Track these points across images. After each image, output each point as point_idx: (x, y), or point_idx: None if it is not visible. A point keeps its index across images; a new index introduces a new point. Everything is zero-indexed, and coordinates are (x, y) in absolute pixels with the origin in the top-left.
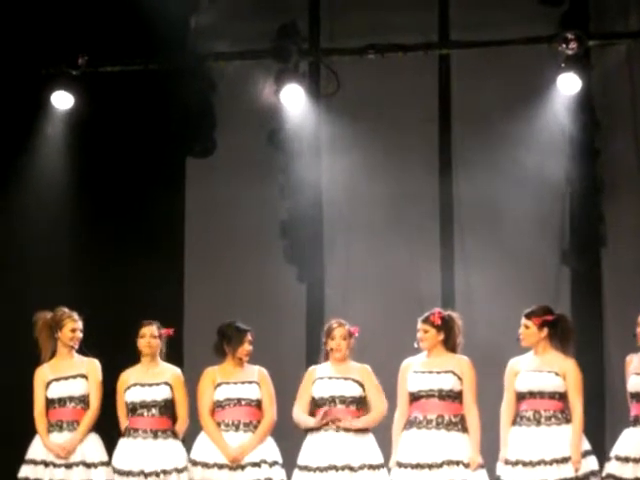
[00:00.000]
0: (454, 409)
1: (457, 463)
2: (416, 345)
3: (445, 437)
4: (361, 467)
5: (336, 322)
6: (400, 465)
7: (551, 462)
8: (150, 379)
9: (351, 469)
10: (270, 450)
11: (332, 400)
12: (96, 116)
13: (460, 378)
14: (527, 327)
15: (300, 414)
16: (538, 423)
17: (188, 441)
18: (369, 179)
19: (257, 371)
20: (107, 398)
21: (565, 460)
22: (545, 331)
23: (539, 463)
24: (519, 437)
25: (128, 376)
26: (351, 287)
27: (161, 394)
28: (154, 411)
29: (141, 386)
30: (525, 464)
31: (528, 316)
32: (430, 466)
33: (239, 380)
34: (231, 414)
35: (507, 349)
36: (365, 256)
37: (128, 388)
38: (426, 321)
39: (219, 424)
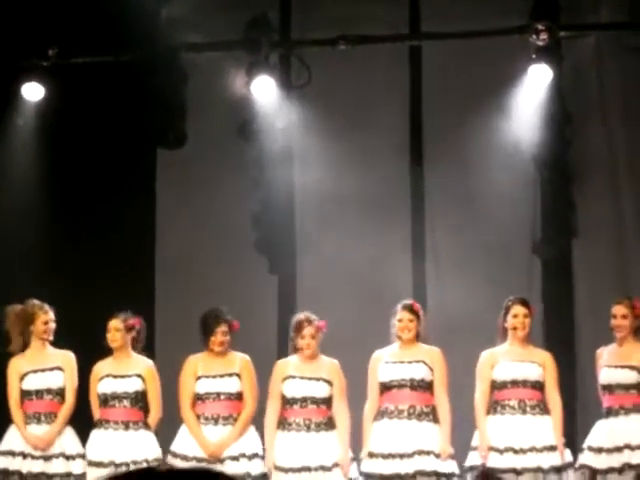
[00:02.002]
0: (425, 399)
1: (428, 453)
2: (400, 334)
3: (416, 427)
4: (334, 466)
5: (305, 319)
6: (372, 455)
7: (542, 449)
8: (122, 371)
9: (324, 469)
10: (250, 442)
11: (304, 400)
12: (67, 107)
13: (431, 368)
14: (527, 316)
15: (268, 423)
16: (524, 412)
17: (165, 432)
18: (341, 170)
19: (239, 360)
20: (80, 390)
21: (553, 449)
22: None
23: (530, 450)
24: (503, 425)
25: (101, 368)
26: (323, 279)
27: (132, 386)
28: (125, 403)
29: (113, 377)
30: (516, 451)
31: (528, 305)
32: (401, 456)
33: (219, 373)
34: (211, 408)
35: (479, 339)
36: (337, 247)
37: (100, 379)
38: (410, 310)
39: (199, 417)
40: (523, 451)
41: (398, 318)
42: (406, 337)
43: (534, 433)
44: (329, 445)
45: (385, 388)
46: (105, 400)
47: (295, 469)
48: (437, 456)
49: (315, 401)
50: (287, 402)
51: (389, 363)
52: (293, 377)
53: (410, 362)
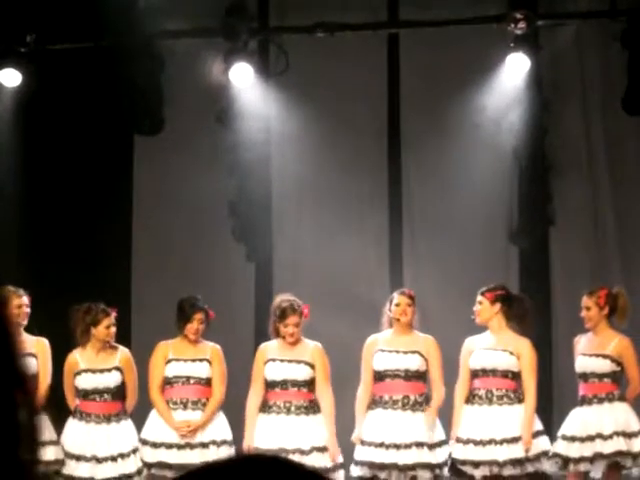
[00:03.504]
0: (419, 388)
1: (423, 445)
2: (398, 317)
3: (411, 418)
4: (311, 450)
5: (290, 306)
6: (364, 443)
7: (501, 442)
8: (101, 364)
9: (302, 452)
10: (219, 429)
11: (284, 383)
12: (44, 94)
13: (426, 358)
14: (480, 303)
15: (249, 407)
16: (490, 402)
17: (137, 419)
18: (318, 158)
19: (210, 349)
20: (54, 378)
21: (515, 440)
22: (497, 307)
23: (490, 442)
24: (471, 416)
25: (77, 359)
26: (299, 266)
27: (114, 380)
28: (107, 396)
29: (92, 372)
30: (476, 443)
31: (482, 293)
32: (397, 446)
33: (190, 357)
34: (179, 392)
35: (456, 330)
36: (314, 236)
37: (78, 374)
38: (408, 296)
39: (168, 402)
40: (482, 443)
41: (396, 302)
42: (404, 320)
43: (497, 425)
44: (309, 429)
45: (379, 377)
46: (85, 394)
47: (272, 451)
48: (430, 447)
49: (296, 384)
50: (268, 385)
51: (385, 351)
52: (274, 360)
53: (405, 352)
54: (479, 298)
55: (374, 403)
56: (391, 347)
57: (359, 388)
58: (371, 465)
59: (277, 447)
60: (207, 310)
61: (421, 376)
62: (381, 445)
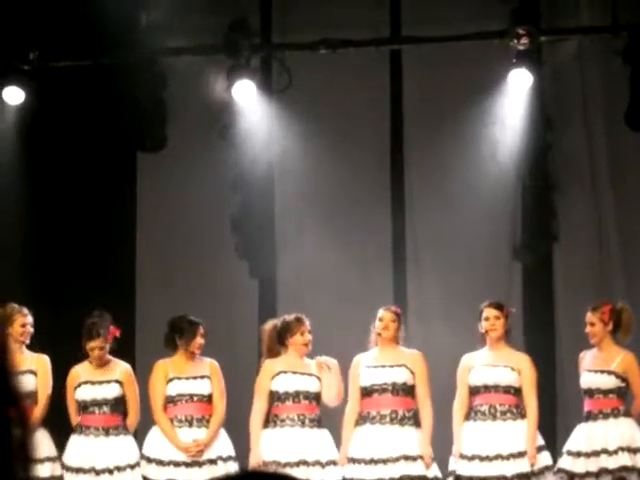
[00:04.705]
0: (407, 404)
1: (414, 459)
2: (381, 332)
3: (399, 433)
4: (328, 463)
5: (295, 317)
6: (354, 461)
7: (508, 457)
8: (100, 376)
9: (321, 465)
10: (224, 445)
11: (296, 395)
12: (47, 111)
13: (412, 372)
14: (497, 318)
15: (254, 422)
16: (494, 418)
17: (139, 435)
18: (321, 175)
19: (209, 364)
20: (57, 393)
21: (521, 455)
22: (508, 323)
23: (496, 458)
24: (475, 432)
25: (78, 373)
26: (303, 282)
27: (112, 392)
28: (105, 409)
29: (91, 384)
30: (482, 459)
31: (499, 308)
32: (385, 461)
33: (191, 375)
34: (183, 410)
35: (460, 345)
36: (317, 251)
37: (78, 386)
38: (392, 311)
39: (172, 420)
40: (489, 459)
41: (379, 317)
42: (385, 335)
43: (502, 440)
44: (322, 442)
45: (366, 393)
46: (85, 406)
47: (292, 463)
48: (422, 460)
49: (308, 396)
50: (279, 398)
51: (370, 367)
52: (285, 372)
53: (392, 366)
54: (496, 313)
55: (362, 419)
56: (377, 363)
57: (347, 407)
58: None
59: (297, 459)
60: (204, 324)
61: (409, 391)
62: (371, 462)
